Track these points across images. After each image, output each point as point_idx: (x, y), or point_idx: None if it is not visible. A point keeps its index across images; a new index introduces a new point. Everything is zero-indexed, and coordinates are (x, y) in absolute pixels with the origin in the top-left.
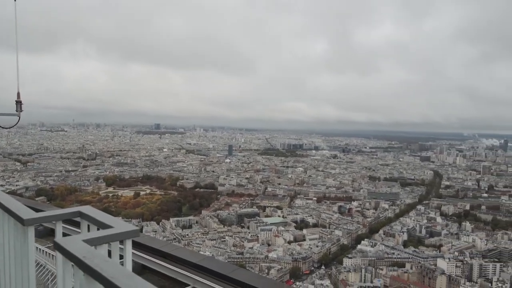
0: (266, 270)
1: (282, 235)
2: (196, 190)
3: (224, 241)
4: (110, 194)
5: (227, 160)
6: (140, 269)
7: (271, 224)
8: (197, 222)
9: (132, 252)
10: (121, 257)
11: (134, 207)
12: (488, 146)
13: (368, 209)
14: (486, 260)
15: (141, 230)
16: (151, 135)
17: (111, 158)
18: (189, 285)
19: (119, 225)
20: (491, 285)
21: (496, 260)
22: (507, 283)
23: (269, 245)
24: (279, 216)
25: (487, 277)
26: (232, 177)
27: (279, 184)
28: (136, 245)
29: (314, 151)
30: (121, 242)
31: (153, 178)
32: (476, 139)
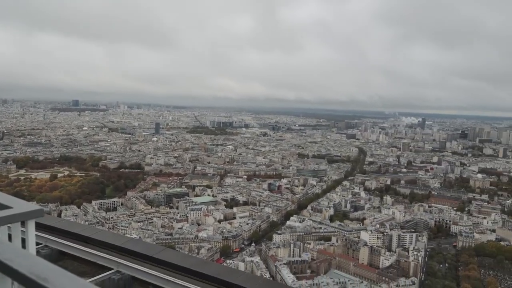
0: (196, 250)
1: (212, 214)
2: (121, 170)
3: (152, 222)
4: (22, 177)
5: (154, 139)
6: (57, 255)
7: (201, 203)
8: (122, 204)
9: (49, 238)
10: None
11: (51, 191)
12: (408, 124)
13: (297, 186)
14: (404, 230)
15: (59, 215)
16: (69, 112)
17: (21, 138)
18: (112, 269)
19: (19, 205)
20: (408, 253)
21: (413, 230)
22: (421, 251)
23: (198, 224)
24: (209, 195)
25: (405, 246)
26: (160, 156)
27: (209, 162)
28: (53, 230)
29: (244, 129)
30: (23, 224)
31: (72, 159)
32: (397, 117)
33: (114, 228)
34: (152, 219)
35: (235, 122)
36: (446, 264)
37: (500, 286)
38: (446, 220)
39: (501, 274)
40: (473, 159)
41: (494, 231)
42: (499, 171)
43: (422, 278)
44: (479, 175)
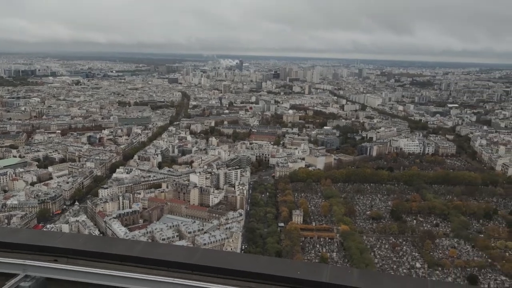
0: (6, 220)
1: (22, 177)
2: None
3: None
4: None
5: None
6: None
7: (6, 167)
8: None
9: None
10: None
11: None
12: (227, 66)
13: (120, 136)
14: (230, 168)
15: None
16: None
17: None
18: (18, 274)
19: None
20: (234, 189)
21: (237, 167)
22: (246, 185)
23: (5, 191)
24: (14, 156)
25: (231, 182)
26: None
27: (10, 119)
28: None
29: (51, 78)
30: None
31: None
32: (216, 59)
33: None
34: None
35: (39, 70)
36: (267, 193)
37: (309, 204)
38: (265, 154)
39: (310, 194)
40: (285, 96)
41: (303, 159)
42: (306, 106)
43: (248, 209)
44: (291, 111)
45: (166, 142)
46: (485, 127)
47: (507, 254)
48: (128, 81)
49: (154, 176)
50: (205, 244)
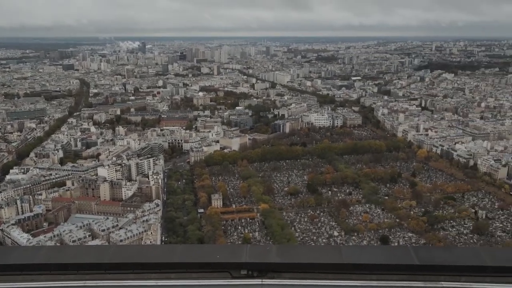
0: None
1: None
2: None
3: None
4: None
5: None
6: None
7: None
8: None
9: None
10: None
11: None
12: (128, 49)
13: (11, 133)
14: (141, 158)
15: None
16: None
17: None
18: None
19: None
20: (148, 179)
21: (150, 156)
22: (160, 174)
23: None
24: None
25: (144, 173)
26: None
27: None
28: None
29: None
30: None
31: None
32: (114, 42)
33: None
34: None
35: None
36: (184, 180)
37: (228, 186)
38: (178, 140)
39: (227, 177)
40: (194, 78)
41: (218, 141)
42: (216, 87)
43: (165, 198)
44: (201, 93)
45: (67, 135)
46: (385, 97)
47: (411, 212)
48: (15, 69)
49: (56, 174)
50: (121, 241)
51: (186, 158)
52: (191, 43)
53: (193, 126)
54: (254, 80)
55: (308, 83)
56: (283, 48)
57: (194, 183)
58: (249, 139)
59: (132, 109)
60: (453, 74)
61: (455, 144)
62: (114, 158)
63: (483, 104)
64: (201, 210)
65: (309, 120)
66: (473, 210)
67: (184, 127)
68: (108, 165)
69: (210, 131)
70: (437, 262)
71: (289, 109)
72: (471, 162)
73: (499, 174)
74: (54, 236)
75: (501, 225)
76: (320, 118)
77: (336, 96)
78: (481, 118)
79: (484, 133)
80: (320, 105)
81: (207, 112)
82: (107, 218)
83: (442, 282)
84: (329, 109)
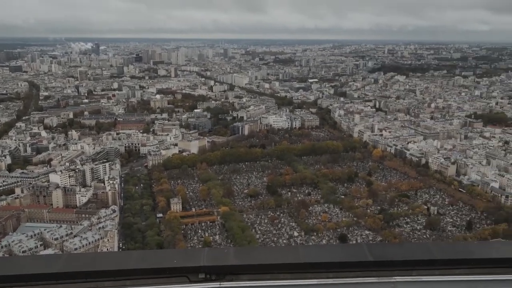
0: None
1: None
2: None
3: None
4: None
5: None
6: None
7: None
8: None
9: None
10: None
11: None
12: (81, 50)
13: None
14: (96, 162)
15: None
16: None
17: None
18: None
19: None
20: (104, 184)
21: (105, 160)
22: (117, 179)
23: None
24: None
25: (100, 178)
26: None
27: None
28: None
29: None
30: None
31: None
32: (64, 43)
33: None
34: None
35: None
36: (141, 185)
37: (187, 190)
38: (135, 144)
39: (187, 180)
40: (150, 81)
41: (176, 145)
42: (174, 89)
43: (122, 204)
44: (158, 96)
45: (15, 140)
46: (341, 99)
47: (368, 211)
48: None
49: (3, 181)
50: (76, 249)
51: (143, 162)
52: (147, 45)
53: (151, 129)
54: (212, 83)
55: (266, 85)
56: (241, 51)
57: (152, 188)
58: (208, 141)
59: (86, 113)
60: (404, 76)
61: (407, 143)
62: (67, 164)
63: (432, 105)
64: (160, 215)
65: (267, 122)
66: (426, 207)
67: (141, 131)
68: (61, 170)
69: (168, 134)
70: (389, 257)
71: (248, 111)
72: (423, 161)
73: (449, 171)
74: (2, 247)
75: (451, 220)
76: (278, 120)
77: (294, 98)
78: (431, 118)
79: (434, 132)
80: (279, 107)
81: (164, 115)
82: (60, 226)
83: (395, 277)
84: (287, 111)
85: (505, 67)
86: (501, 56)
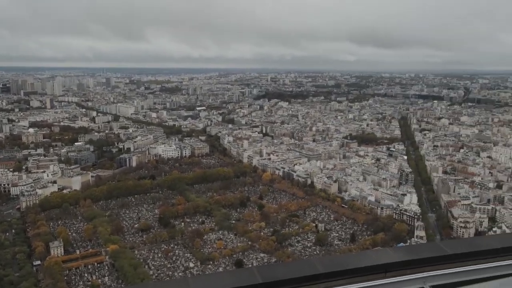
0: None
1: None
2: None
3: None
4: None
5: None
6: None
7: None
8: None
9: None
10: None
11: None
12: None
13: None
14: None
15: None
16: None
17: None
18: None
19: None
20: None
21: None
22: None
23: None
24: None
25: None
26: None
27: None
28: None
29: None
30: None
31: None
32: None
33: None
34: None
35: None
36: (13, 230)
37: (69, 231)
38: (4, 184)
39: (69, 220)
40: (21, 113)
41: (55, 182)
42: (50, 122)
43: None
44: (31, 130)
45: None
46: (230, 125)
47: (262, 233)
48: None
49: None
50: None
51: (15, 205)
52: (15, 74)
53: (23, 167)
54: (94, 113)
55: (154, 115)
56: (124, 80)
57: (27, 232)
58: (92, 176)
59: None
60: (287, 102)
61: (294, 165)
62: None
63: (314, 128)
64: (38, 262)
65: (156, 152)
66: (314, 224)
67: (11, 169)
68: None
69: (45, 171)
70: (278, 277)
71: (135, 142)
72: (309, 181)
73: (332, 189)
74: None
75: (337, 234)
76: (168, 150)
77: (182, 126)
78: (313, 140)
79: (317, 154)
80: (167, 136)
81: (40, 150)
82: None
83: None
84: (177, 139)
85: (372, 93)
86: (368, 83)
